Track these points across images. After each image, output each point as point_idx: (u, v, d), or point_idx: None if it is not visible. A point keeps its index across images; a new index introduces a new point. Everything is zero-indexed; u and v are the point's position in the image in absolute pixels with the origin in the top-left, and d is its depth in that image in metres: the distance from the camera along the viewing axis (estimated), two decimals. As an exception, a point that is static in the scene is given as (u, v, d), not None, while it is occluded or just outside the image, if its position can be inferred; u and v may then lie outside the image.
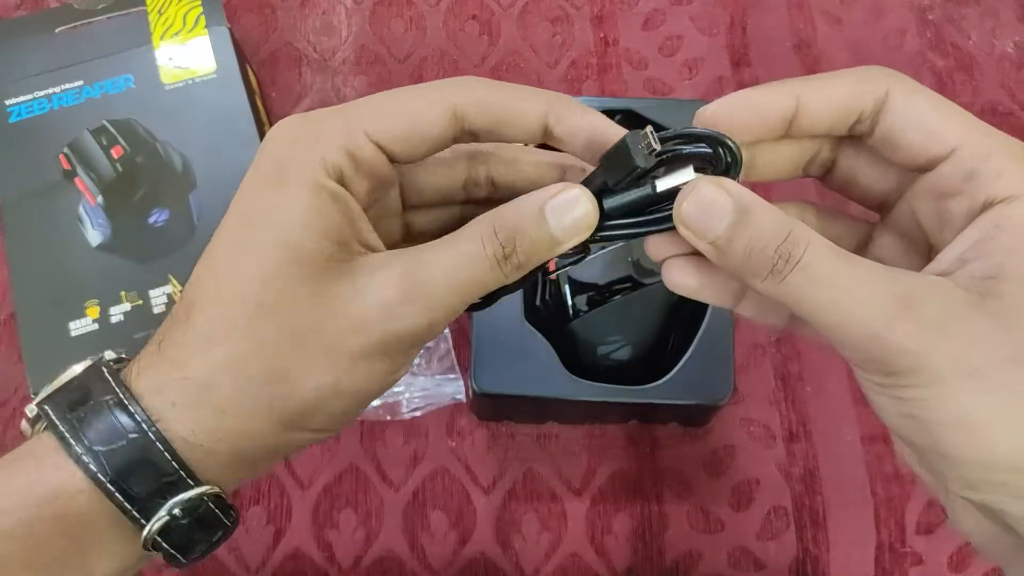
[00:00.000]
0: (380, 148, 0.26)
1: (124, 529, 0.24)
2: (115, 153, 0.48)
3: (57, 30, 0.50)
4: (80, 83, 0.49)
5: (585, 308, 0.45)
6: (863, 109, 0.25)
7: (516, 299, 0.45)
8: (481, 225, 0.25)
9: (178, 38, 0.50)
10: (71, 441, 0.24)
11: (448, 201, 0.30)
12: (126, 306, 0.45)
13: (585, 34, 0.58)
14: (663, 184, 0.25)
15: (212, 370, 0.24)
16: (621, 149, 0.25)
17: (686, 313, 0.46)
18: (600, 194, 0.26)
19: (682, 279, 0.27)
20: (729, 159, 0.25)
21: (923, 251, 0.26)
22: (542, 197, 0.25)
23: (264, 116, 0.53)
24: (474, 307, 0.28)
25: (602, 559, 0.47)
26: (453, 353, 0.49)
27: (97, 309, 0.45)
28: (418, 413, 0.48)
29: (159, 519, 0.24)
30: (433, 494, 0.48)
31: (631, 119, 0.48)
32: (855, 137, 0.27)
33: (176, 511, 0.24)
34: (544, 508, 0.47)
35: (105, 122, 0.48)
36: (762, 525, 0.47)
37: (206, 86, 0.49)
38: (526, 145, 0.29)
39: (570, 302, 0.46)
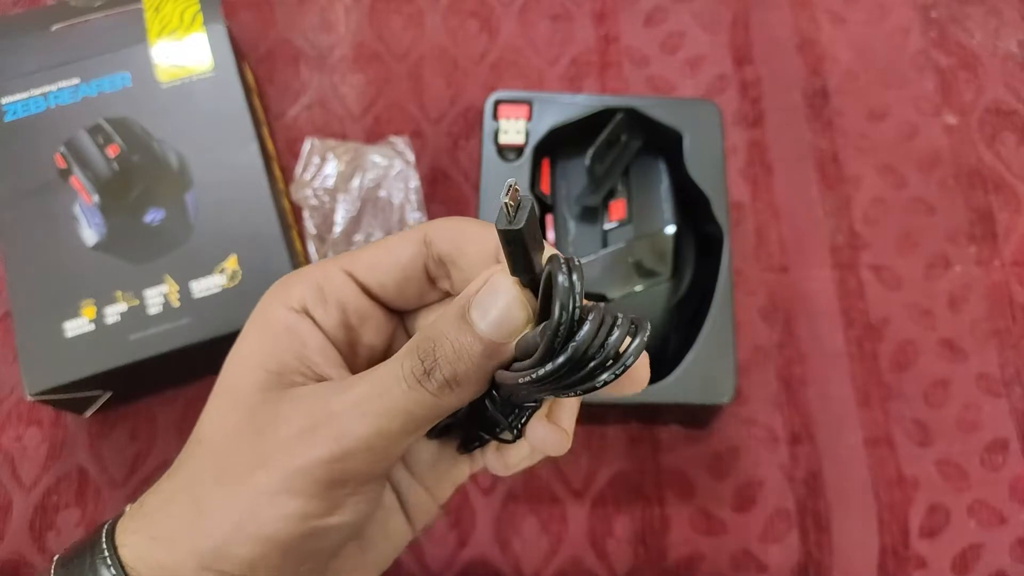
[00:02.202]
0: (353, 278, 0.26)
1: None
2: (111, 152, 0.47)
3: (53, 27, 0.50)
4: (76, 81, 0.48)
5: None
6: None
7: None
8: (405, 345, 0.24)
9: (175, 36, 0.49)
10: None
11: None
12: (122, 306, 0.44)
13: (586, 31, 0.58)
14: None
15: (157, 505, 0.25)
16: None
17: (688, 313, 0.46)
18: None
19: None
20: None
21: None
22: (464, 296, 0.23)
23: (261, 114, 0.53)
24: (433, 432, 0.27)
25: (603, 562, 0.46)
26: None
27: (93, 309, 0.44)
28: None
29: None
30: (432, 496, 0.47)
31: (633, 117, 0.47)
32: None
33: None
34: (544, 510, 0.47)
35: (101, 120, 0.48)
36: (765, 528, 0.47)
37: (203, 84, 0.49)
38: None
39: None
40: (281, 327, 0.26)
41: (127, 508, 0.27)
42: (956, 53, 0.57)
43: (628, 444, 0.48)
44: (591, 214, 0.48)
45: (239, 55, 0.51)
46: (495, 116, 0.47)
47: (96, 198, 0.46)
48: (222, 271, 0.45)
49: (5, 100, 0.48)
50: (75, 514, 0.46)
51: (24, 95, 0.48)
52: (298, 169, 0.51)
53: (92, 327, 0.44)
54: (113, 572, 0.24)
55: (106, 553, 0.25)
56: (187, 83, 0.48)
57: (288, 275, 0.27)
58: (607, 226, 0.47)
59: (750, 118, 0.55)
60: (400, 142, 0.53)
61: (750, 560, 0.46)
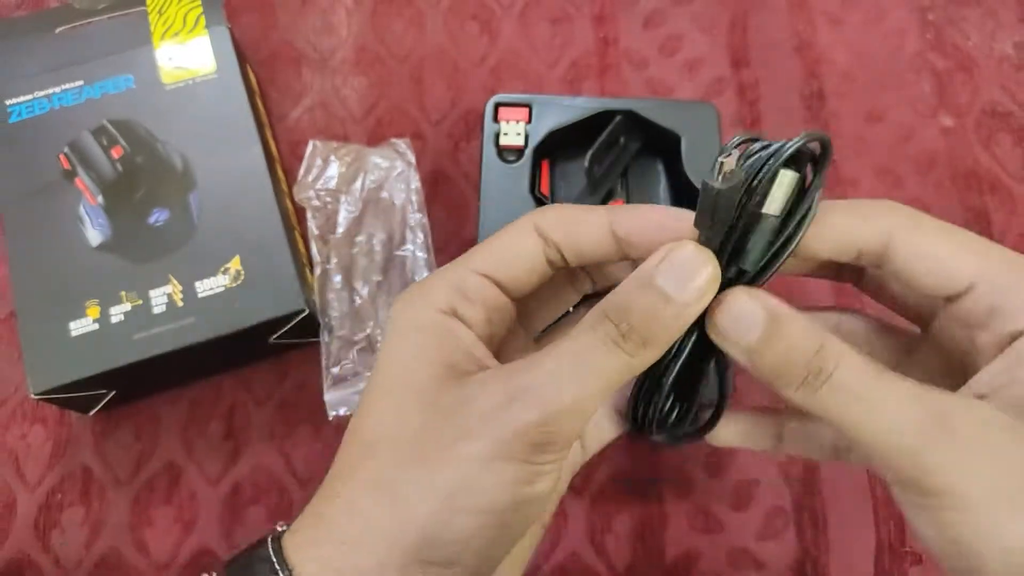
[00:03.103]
0: (486, 277, 0.27)
1: None
2: (115, 153, 0.48)
3: (57, 30, 0.50)
4: (80, 83, 0.49)
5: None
6: (861, 248, 0.25)
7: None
8: (591, 314, 0.25)
9: (178, 38, 0.50)
10: None
11: None
12: (126, 306, 0.45)
13: (585, 34, 0.58)
14: (770, 204, 0.24)
15: (337, 509, 0.25)
16: (705, 194, 0.24)
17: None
18: (728, 252, 0.25)
19: (727, 437, 0.31)
20: (818, 150, 0.24)
21: (960, 369, 0.26)
22: (648, 265, 0.24)
23: (264, 116, 0.53)
24: (637, 431, 0.29)
25: (601, 558, 0.47)
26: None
27: (97, 309, 0.45)
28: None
29: None
30: (433, 494, 0.48)
31: (631, 119, 0.48)
32: None
33: None
34: (544, 508, 0.47)
35: (105, 122, 0.48)
36: (762, 525, 0.47)
37: (206, 86, 0.49)
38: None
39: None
40: (440, 327, 0.26)
41: (282, 526, 0.26)
42: (952, 55, 0.58)
43: (627, 442, 0.49)
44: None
45: (242, 57, 0.52)
46: (495, 118, 0.48)
47: (100, 199, 0.47)
48: (225, 271, 0.45)
49: (9, 102, 0.49)
50: (79, 512, 0.47)
51: (28, 97, 0.49)
52: (301, 171, 0.52)
53: (96, 327, 0.44)
54: None
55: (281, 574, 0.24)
56: (190, 85, 0.49)
57: (419, 283, 0.28)
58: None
59: (748, 120, 0.56)
60: (401, 144, 0.53)
61: (747, 557, 0.47)
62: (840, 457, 0.29)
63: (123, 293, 0.45)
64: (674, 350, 0.27)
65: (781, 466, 0.48)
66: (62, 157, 0.47)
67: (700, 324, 0.26)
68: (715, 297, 0.24)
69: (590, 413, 0.25)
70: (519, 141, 0.47)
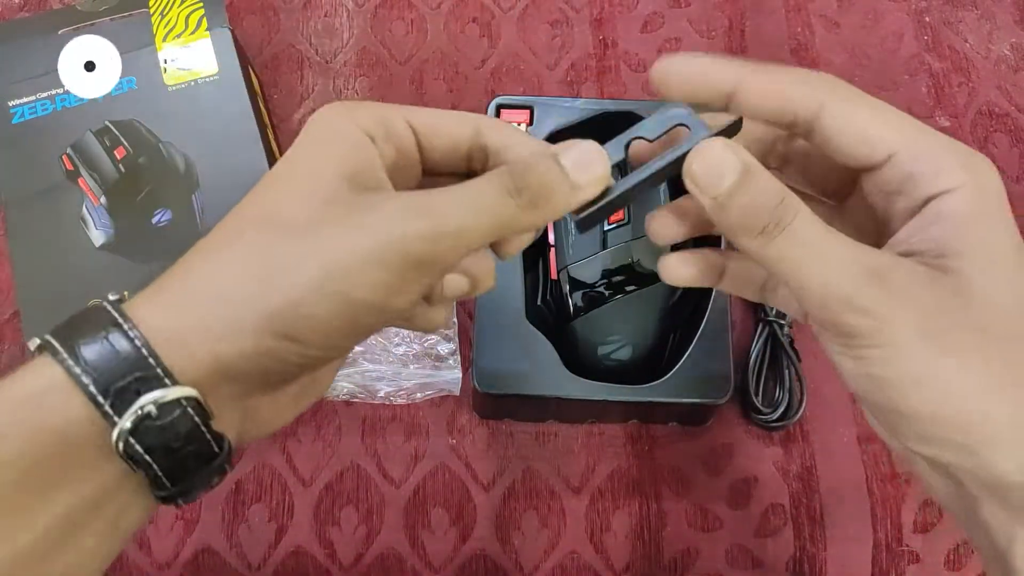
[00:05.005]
0: (413, 130, 0.28)
1: (102, 435, 0.23)
2: (118, 154, 0.48)
3: (60, 31, 0.50)
4: (83, 84, 0.49)
5: (586, 308, 0.46)
6: (796, 113, 0.27)
7: (518, 298, 0.45)
8: (494, 171, 0.27)
9: (180, 40, 0.50)
10: (54, 343, 0.24)
11: None
12: (129, 305, 0.45)
13: (584, 36, 0.59)
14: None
15: (199, 276, 0.25)
16: None
17: (685, 313, 0.47)
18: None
19: (677, 270, 0.31)
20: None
21: (874, 240, 0.28)
22: (556, 147, 0.27)
23: (266, 117, 0.54)
24: (498, 252, 0.29)
25: (601, 556, 0.47)
26: (457, 343, 0.49)
27: (100, 308, 0.45)
28: (418, 396, 0.49)
29: (131, 414, 0.23)
30: (434, 491, 0.48)
31: (631, 121, 0.48)
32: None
33: (151, 408, 0.23)
34: (544, 506, 0.48)
35: (108, 123, 0.48)
36: (760, 523, 0.48)
37: (209, 87, 0.49)
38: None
39: (571, 302, 0.46)
40: (356, 141, 0.27)
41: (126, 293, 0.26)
42: (949, 57, 0.58)
43: (626, 441, 0.49)
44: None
45: (244, 59, 0.52)
46: (496, 119, 0.48)
47: (103, 199, 0.47)
48: (228, 271, 0.46)
49: (13, 103, 0.49)
50: (82, 510, 0.47)
51: (31, 98, 0.49)
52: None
53: (100, 326, 0.44)
54: (133, 338, 0.23)
55: (121, 321, 0.24)
56: (193, 86, 0.49)
57: (350, 102, 0.28)
58: (607, 227, 0.48)
59: (746, 121, 0.56)
60: None
61: (745, 555, 0.47)
62: (764, 298, 0.32)
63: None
64: None
65: (779, 464, 0.49)
66: (65, 158, 0.48)
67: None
68: (694, 148, 0.26)
69: (470, 246, 0.26)
70: (519, 142, 0.48)
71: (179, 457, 0.24)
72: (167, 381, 0.23)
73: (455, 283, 0.29)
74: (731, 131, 0.27)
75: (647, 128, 0.28)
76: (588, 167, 0.27)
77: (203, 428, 0.24)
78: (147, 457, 0.23)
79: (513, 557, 0.47)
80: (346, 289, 0.24)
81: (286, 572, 0.47)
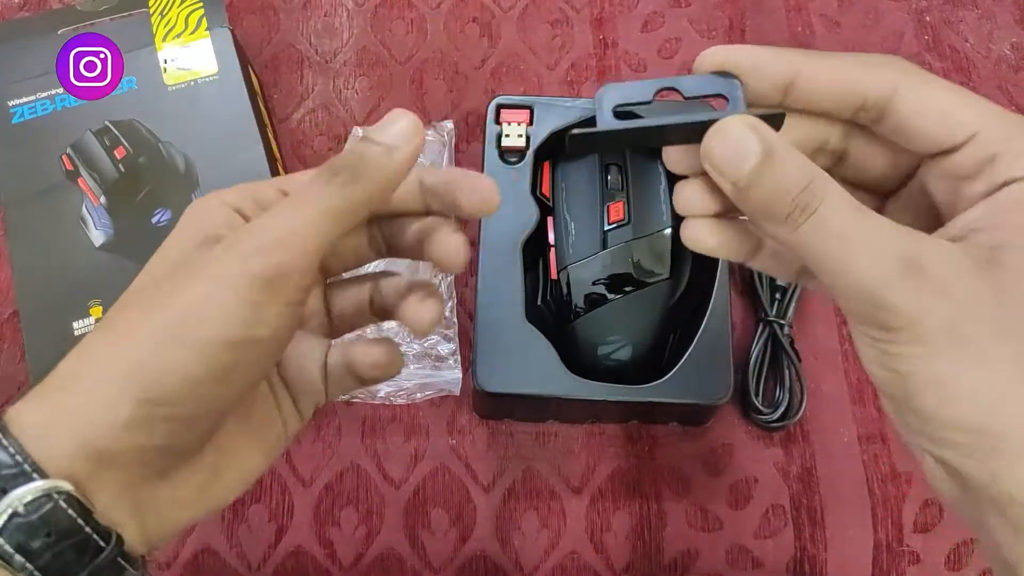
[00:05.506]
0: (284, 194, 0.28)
1: None
2: (118, 154, 0.48)
3: (60, 31, 0.50)
4: (83, 84, 0.49)
5: (586, 308, 0.46)
6: (866, 97, 0.26)
7: (518, 298, 0.45)
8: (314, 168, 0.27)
9: (180, 40, 0.50)
10: None
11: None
12: (129, 305, 0.45)
13: (584, 36, 0.59)
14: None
15: (66, 363, 0.25)
16: None
17: (686, 313, 0.47)
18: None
19: (701, 238, 0.28)
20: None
21: (933, 226, 0.26)
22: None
23: (266, 117, 0.54)
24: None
25: (601, 556, 0.47)
26: (457, 343, 0.49)
27: (100, 309, 0.45)
28: (418, 396, 0.49)
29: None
30: (433, 492, 0.48)
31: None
32: (861, 125, 0.27)
33: (17, 506, 0.22)
34: (544, 506, 0.48)
35: (107, 123, 0.48)
36: (760, 523, 0.48)
37: (208, 87, 0.49)
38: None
39: (571, 302, 0.46)
40: (213, 207, 0.27)
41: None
42: (950, 57, 0.58)
43: (625, 441, 0.49)
44: (591, 215, 0.49)
45: (244, 59, 0.52)
46: (497, 120, 0.48)
47: (103, 199, 0.47)
48: (228, 271, 0.46)
49: (12, 103, 0.49)
50: (82, 510, 0.47)
51: (31, 98, 0.49)
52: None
53: (100, 326, 0.44)
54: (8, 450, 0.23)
55: None
56: (193, 86, 0.49)
57: (222, 190, 0.28)
58: (607, 227, 0.48)
59: (746, 121, 0.56)
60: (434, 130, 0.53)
61: (745, 555, 0.47)
62: (803, 281, 0.30)
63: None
64: None
65: (779, 465, 0.49)
66: (65, 158, 0.48)
67: None
68: (712, 127, 0.25)
69: (310, 247, 0.25)
70: (520, 143, 0.48)
71: (57, 553, 0.23)
72: (35, 476, 0.22)
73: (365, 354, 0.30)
74: (772, 121, 0.25)
75: (686, 84, 0.26)
76: (390, 125, 0.26)
77: (80, 521, 0.23)
78: (18, 556, 0.22)
79: (513, 557, 0.47)
80: (194, 331, 0.24)
81: (286, 572, 0.47)
